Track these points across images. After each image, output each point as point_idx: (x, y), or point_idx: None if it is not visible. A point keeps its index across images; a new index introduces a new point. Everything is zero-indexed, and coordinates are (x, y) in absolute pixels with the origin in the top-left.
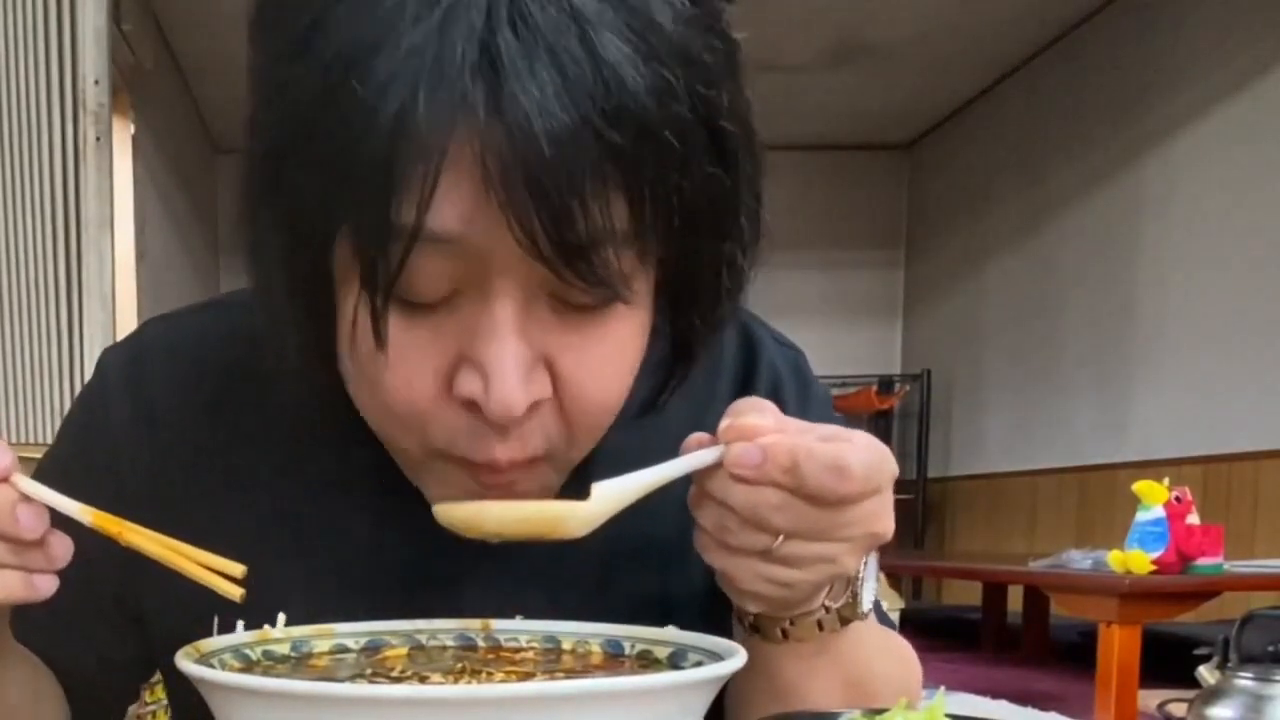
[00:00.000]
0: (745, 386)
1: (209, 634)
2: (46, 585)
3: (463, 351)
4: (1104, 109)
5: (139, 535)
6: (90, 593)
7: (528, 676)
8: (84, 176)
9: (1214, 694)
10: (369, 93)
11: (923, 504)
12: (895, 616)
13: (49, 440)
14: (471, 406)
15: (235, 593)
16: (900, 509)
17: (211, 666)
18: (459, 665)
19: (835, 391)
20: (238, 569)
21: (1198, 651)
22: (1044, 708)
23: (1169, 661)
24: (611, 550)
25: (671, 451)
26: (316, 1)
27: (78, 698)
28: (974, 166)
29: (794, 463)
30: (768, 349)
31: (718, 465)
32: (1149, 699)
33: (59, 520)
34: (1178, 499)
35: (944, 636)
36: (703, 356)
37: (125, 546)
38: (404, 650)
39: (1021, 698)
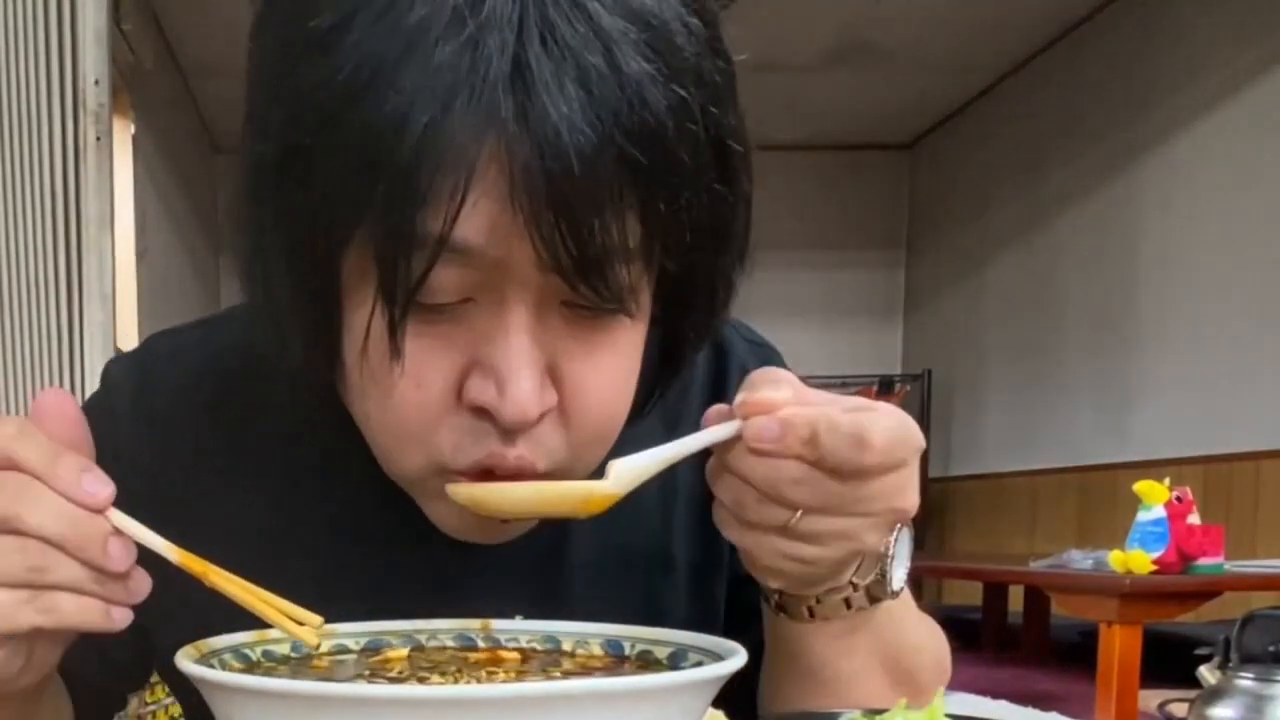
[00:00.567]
0: (715, 394)
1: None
2: (122, 618)
3: (474, 358)
4: (1104, 109)
5: (221, 578)
6: None
7: (528, 677)
8: (84, 176)
9: (1214, 694)
10: (399, 101)
11: (923, 504)
12: None
13: None
14: (480, 413)
15: (311, 640)
16: None
17: (212, 666)
18: (458, 666)
19: (835, 392)
20: (314, 618)
21: (1198, 651)
22: (1044, 708)
23: (1169, 661)
24: (600, 558)
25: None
26: (338, 2)
27: (78, 699)
28: (974, 166)
29: (813, 434)
30: (737, 352)
31: (736, 439)
32: (1149, 699)
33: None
34: (1178, 499)
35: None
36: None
37: (208, 587)
38: (404, 651)
39: (1021, 698)
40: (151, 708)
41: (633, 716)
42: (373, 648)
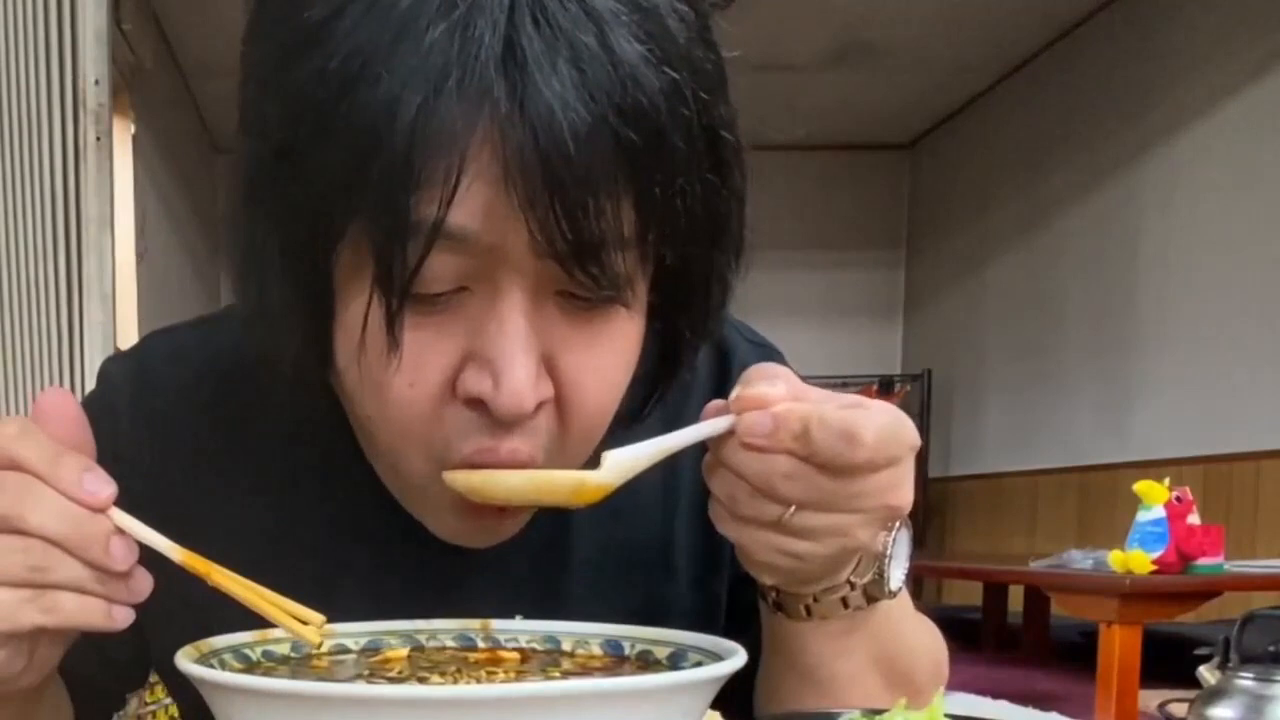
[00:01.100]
0: (717, 395)
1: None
2: (123, 617)
3: (469, 349)
4: (1104, 109)
5: (225, 577)
6: None
7: (527, 677)
8: (84, 176)
9: (1214, 694)
10: (391, 86)
11: (923, 504)
12: None
13: None
14: (476, 404)
15: (314, 639)
16: None
17: (212, 666)
18: (458, 666)
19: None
20: (317, 617)
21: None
22: (1044, 708)
23: (1169, 661)
24: (600, 557)
25: None
26: None
27: (77, 698)
28: (974, 166)
29: (805, 429)
30: (740, 353)
31: (730, 433)
32: (1149, 699)
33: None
34: (1178, 499)
35: (944, 636)
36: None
37: (212, 586)
38: (404, 651)
39: (1021, 698)
40: (151, 707)
41: (633, 716)
42: (373, 648)
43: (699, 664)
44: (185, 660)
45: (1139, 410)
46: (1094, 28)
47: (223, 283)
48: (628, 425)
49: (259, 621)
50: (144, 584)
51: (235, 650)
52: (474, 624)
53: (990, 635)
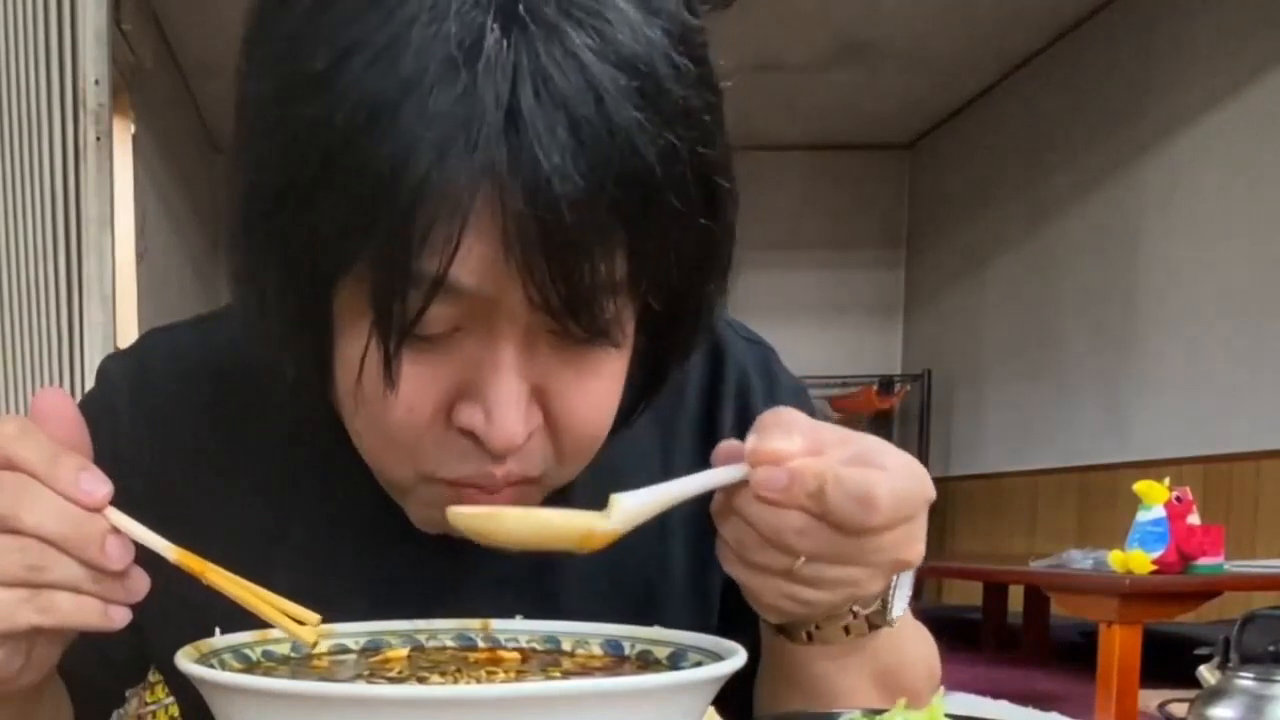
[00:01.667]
0: (711, 394)
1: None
2: (120, 617)
3: (464, 384)
4: (1104, 109)
5: (219, 576)
6: None
7: (527, 677)
8: (84, 176)
9: (1214, 694)
10: (396, 148)
11: None
12: None
13: None
14: (469, 435)
15: (310, 638)
16: None
17: (212, 666)
18: (458, 666)
19: (835, 392)
20: (313, 617)
21: (1198, 651)
22: (1044, 708)
23: (1169, 661)
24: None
25: (639, 461)
26: (334, 42)
27: (77, 697)
28: (974, 166)
29: (820, 489)
30: (734, 351)
31: (743, 482)
32: (1149, 699)
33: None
34: (1178, 499)
35: (944, 636)
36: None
37: (206, 585)
38: (404, 651)
39: (1021, 698)
40: (151, 707)
41: (633, 716)
42: (373, 648)
43: (699, 664)
44: (185, 660)
45: (1139, 410)
46: (1094, 28)
47: (222, 283)
48: (617, 431)
49: (259, 621)
50: (141, 584)
51: (235, 650)
52: (474, 624)
53: (990, 635)
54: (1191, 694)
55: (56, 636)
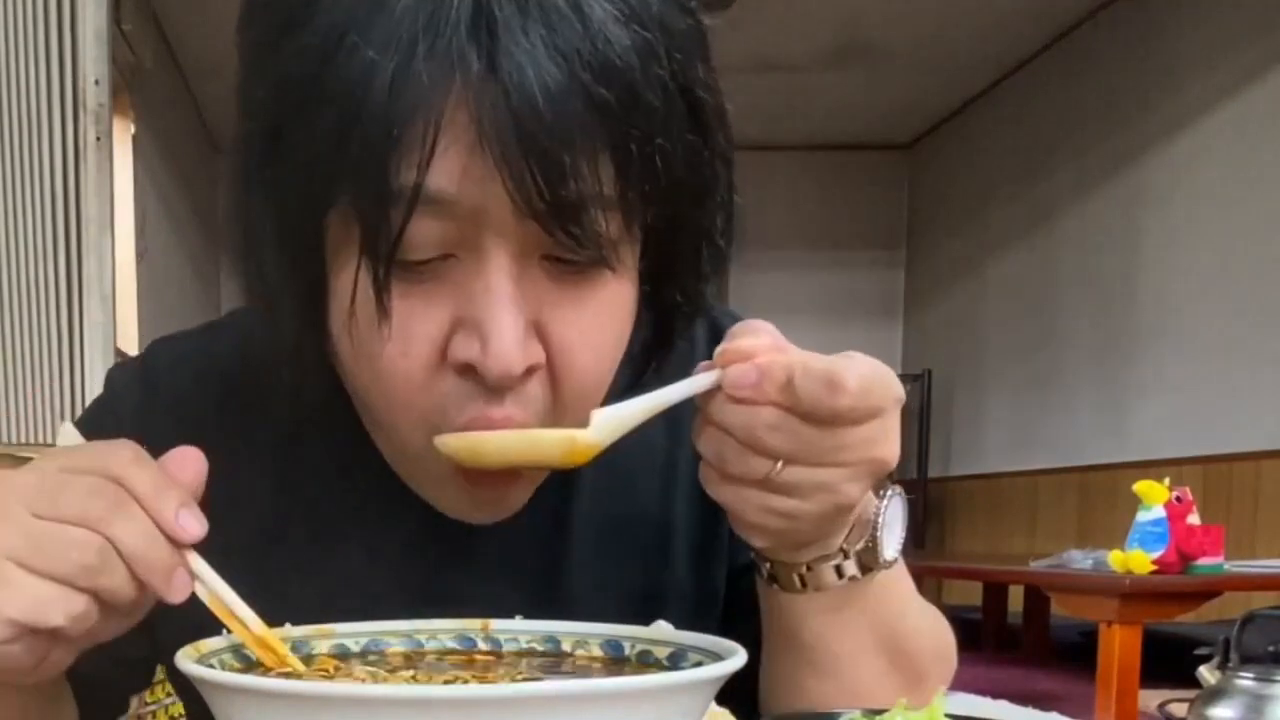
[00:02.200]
0: None
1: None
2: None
3: (457, 316)
4: (1104, 109)
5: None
6: None
7: (527, 677)
8: (84, 176)
9: (1214, 694)
10: (366, 55)
11: (923, 504)
12: None
13: (49, 440)
14: (467, 371)
15: (272, 665)
16: None
17: (211, 667)
18: (458, 667)
19: None
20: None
21: (1198, 651)
22: (1044, 708)
23: (1169, 661)
24: (599, 545)
25: (641, 442)
26: None
27: (87, 697)
28: (974, 166)
29: (789, 379)
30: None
31: (718, 391)
32: (1149, 699)
33: None
34: (1178, 499)
35: None
36: (678, 343)
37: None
38: (404, 651)
39: (1021, 698)
40: (151, 708)
41: (633, 716)
42: (373, 648)
43: (699, 664)
44: (185, 660)
45: (1139, 410)
46: (1094, 28)
47: (223, 283)
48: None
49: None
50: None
51: (235, 650)
52: (474, 624)
53: (990, 635)
54: (1191, 694)
55: (73, 645)
